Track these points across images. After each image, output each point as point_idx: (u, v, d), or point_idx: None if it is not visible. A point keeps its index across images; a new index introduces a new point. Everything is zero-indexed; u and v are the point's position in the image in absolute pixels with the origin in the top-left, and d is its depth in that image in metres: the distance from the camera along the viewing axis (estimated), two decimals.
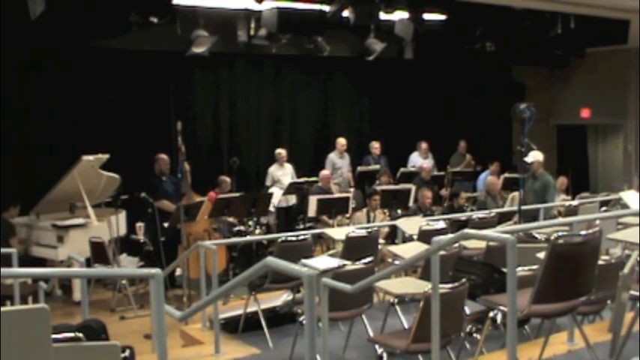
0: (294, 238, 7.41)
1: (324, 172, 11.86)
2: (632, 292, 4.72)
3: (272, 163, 12.20)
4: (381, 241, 8.66)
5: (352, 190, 12.27)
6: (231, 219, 10.54)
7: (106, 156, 9.76)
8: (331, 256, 6.78)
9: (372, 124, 14.81)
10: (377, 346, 5.04)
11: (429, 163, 13.26)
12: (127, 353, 4.41)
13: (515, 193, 10.84)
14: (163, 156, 10.24)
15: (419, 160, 13.50)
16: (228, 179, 10.91)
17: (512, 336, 4.16)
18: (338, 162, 12.83)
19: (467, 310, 5.36)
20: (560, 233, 4.55)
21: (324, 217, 10.96)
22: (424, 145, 13.67)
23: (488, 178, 12.07)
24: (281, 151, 12.18)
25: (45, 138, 10.79)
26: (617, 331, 4.67)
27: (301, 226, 10.98)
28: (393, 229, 9.25)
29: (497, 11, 11.48)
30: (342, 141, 12.91)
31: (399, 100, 14.71)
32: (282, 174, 12.05)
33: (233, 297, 8.11)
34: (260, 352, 6.41)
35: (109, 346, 3.33)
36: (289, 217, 12.03)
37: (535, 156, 10.51)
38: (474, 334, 5.39)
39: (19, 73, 10.44)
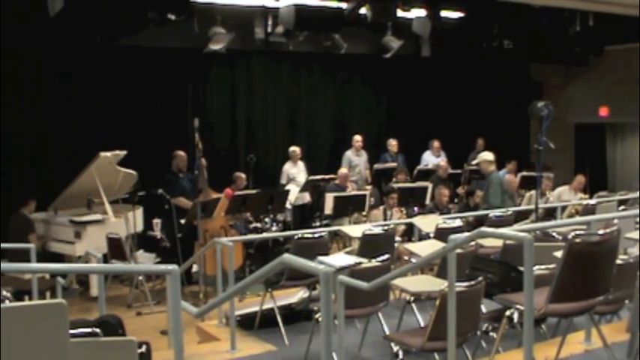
0: (310, 236, 7.41)
1: (342, 170, 11.84)
2: None
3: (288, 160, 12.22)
4: (397, 238, 8.64)
5: (369, 187, 12.23)
6: (247, 215, 10.55)
7: (123, 152, 9.81)
8: (348, 253, 6.78)
9: (389, 121, 14.78)
10: (393, 344, 5.02)
11: (443, 161, 13.21)
12: (143, 349, 4.42)
13: (533, 192, 10.76)
14: (181, 153, 10.25)
15: (431, 159, 13.47)
16: (243, 175, 10.93)
17: (528, 335, 4.14)
18: (354, 159, 12.81)
19: (483, 309, 5.34)
20: (577, 232, 4.53)
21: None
22: (436, 144, 13.64)
23: (505, 177, 11.99)
24: (295, 149, 12.19)
25: (63, 134, 10.85)
26: (635, 331, 4.64)
27: (317, 224, 10.97)
28: (410, 227, 9.22)
29: (516, 9, 11.40)
30: (357, 138, 12.89)
31: (416, 98, 14.67)
32: (297, 171, 12.07)
33: (249, 294, 8.11)
34: (276, 348, 6.42)
35: (125, 341, 3.35)
36: (305, 215, 12.03)
37: (481, 156, 10.18)
38: (490, 333, 5.37)
39: (37, 70, 10.51)
